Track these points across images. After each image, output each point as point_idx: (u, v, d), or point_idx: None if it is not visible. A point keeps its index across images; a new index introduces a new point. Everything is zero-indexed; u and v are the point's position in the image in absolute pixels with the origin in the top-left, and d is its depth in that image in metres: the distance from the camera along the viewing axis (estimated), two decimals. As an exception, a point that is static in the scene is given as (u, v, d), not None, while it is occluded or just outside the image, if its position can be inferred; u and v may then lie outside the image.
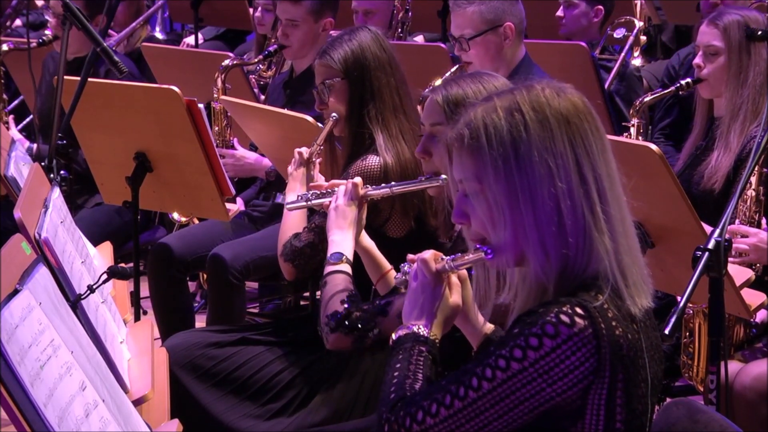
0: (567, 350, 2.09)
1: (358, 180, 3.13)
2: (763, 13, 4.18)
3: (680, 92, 4.38)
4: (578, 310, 2.11)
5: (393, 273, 3.10)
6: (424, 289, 2.33)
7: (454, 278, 2.34)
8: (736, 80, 4.07)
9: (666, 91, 4.46)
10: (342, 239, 3.06)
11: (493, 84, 2.92)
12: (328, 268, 3.01)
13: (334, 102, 3.67)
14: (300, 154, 3.66)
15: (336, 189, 3.14)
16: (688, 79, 4.28)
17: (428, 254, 2.34)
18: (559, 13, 6.12)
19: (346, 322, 2.89)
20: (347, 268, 3.01)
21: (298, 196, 3.30)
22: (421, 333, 2.28)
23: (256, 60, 5.56)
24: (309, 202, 3.21)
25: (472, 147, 2.18)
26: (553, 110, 2.18)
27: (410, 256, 2.45)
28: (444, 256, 2.33)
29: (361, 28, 3.74)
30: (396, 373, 2.25)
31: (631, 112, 4.54)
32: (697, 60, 4.18)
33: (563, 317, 2.10)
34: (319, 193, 3.20)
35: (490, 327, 2.50)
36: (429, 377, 2.24)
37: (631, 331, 2.14)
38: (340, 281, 2.97)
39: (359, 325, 2.87)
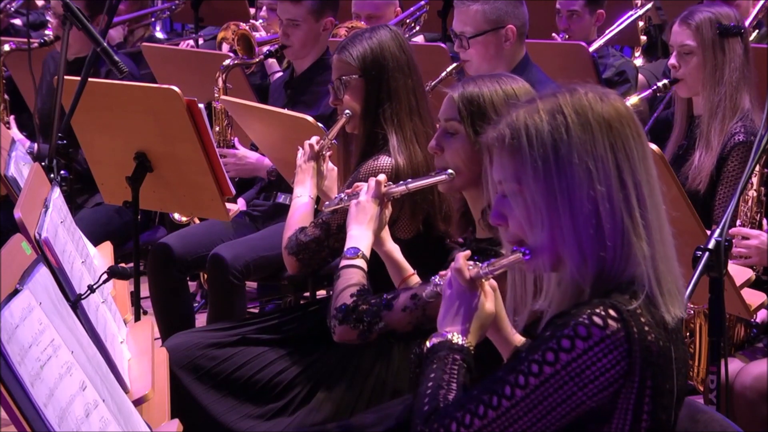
0: (599, 352, 2.08)
1: (381, 177, 3.12)
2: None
3: (658, 94, 4.37)
4: (611, 312, 2.09)
5: (415, 278, 3.11)
6: (459, 296, 2.29)
7: (487, 286, 2.32)
8: (712, 78, 4.05)
9: (644, 94, 4.43)
10: (360, 235, 3.06)
11: (511, 86, 2.91)
12: (344, 262, 3.02)
13: (349, 99, 3.64)
14: (311, 146, 3.64)
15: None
16: (665, 81, 4.26)
17: (461, 262, 2.31)
18: (562, 25, 6.10)
19: (353, 315, 2.91)
20: (362, 263, 3.01)
21: (335, 197, 3.29)
22: (456, 341, 2.26)
23: (257, 60, 5.56)
24: (343, 203, 3.20)
25: (513, 147, 2.17)
26: (596, 114, 2.17)
27: (443, 272, 2.43)
28: (478, 262, 2.31)
29: (382, 27, 3.71)
30: (430, 383, 2.22)
31: None
32: (672, 60, 4.17)
33: (596, 319, 2.09)
34: (352, 193, 3.19)
35: (520, 339, 2.47)
36: (464, 387, 2.21)
37: (663, 339, 2.13)
38: (354, 275, 2.98)
39: (365, 318, 2.90)
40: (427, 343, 2.29)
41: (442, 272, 2.43)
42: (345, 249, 3.04)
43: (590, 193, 2.13)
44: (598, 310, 2.10)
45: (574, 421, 2.12)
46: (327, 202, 3.35)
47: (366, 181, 3.15)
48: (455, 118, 2.93)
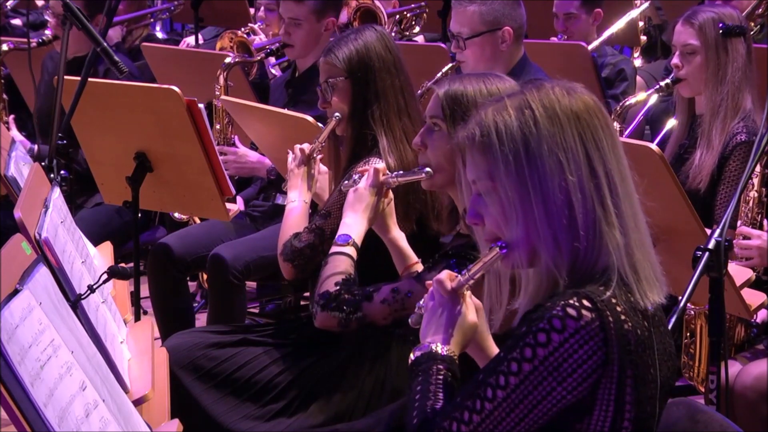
0: (575, 344, 2.09)
1: (381, 165, 3.15)
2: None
3: (660, 93, 4.37)
4: (585, 302, 2.11)
5: (418, 266, 3.14)
6: (441, 307, 2.31)
7: (469, 298, 2.32)
8: (714, 78, 4.06)
9: (647, 94, 4.43)
10: (354, 222, 3.10)
11: (496, 85, 2.92)
12: (333, 249, 3.07)
13: (337, 101, 3.66)
14: (302, 150, 3.66)
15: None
16: (668, 80, 4.26)
17: (443, 275, 2.32)
18: (559, 27, 6.09)
19: (333, 303, 2.97)
20: (352, 251, 3.05)
21: (350, 178, 3.27)
22: (438, 351, 2.26)
23: (258, 58, 5.57)
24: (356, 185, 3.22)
25: (484, 145, 2.20)
26: (563, 107, 2.20)
27: (427, 282, 2.45)
28: (458, 275, 2.32)
29: (368, 28, 3.72)
30: (417, 396, 2.23)
31: (612, 116, 4.50)
32: (675, 60, 4.17)
33: (570, 310, 2.10)
34: (358, 178, 3.22)
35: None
36: (450, 396, 2.22)
37: (641, 327, 2.14)
38: (341, 263, 3.02)
39: (345, 308, 2.95)
40: (411, 356, 2.30)
41: (428, 282, 2.43)
42: (337, 235, 3.06)
43: (562, 184, 2.15)
44: (572, 301, 2.11)
45: (556, 416, 2.13)
46: (345, 181, 3.33)
47: None
48: (439, 116, 2.95)
